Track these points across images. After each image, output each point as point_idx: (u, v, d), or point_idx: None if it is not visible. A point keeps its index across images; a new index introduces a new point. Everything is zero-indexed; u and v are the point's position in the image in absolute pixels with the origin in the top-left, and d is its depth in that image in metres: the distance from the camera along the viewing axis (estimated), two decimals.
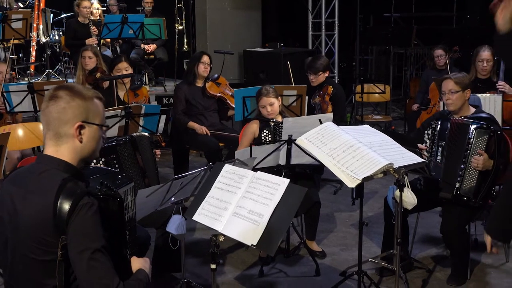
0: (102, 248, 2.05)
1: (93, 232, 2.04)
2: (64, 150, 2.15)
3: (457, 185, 3.97)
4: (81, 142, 2.16)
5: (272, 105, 4.65)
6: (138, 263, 2.30)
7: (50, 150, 2.16)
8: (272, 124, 4.67)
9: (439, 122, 4.15)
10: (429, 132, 4.20)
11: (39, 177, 2.11)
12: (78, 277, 2.05)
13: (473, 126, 3.97)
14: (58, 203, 2.02)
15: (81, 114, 2.14)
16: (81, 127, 2.15)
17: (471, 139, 3.96)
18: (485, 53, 5.85)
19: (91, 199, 2.06)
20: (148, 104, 6.11)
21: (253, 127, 4.72)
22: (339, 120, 5.83)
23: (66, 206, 2.01)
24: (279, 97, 4.76)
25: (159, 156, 4.19)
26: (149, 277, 2.26)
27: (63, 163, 2.13)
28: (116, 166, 3.69)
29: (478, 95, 5.11)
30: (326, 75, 6.08)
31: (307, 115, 5.65)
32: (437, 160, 4.09)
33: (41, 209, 2.03)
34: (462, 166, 3.97)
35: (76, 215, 2.02)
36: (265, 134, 4.67)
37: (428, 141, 4.20)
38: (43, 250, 2.05)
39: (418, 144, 4.14)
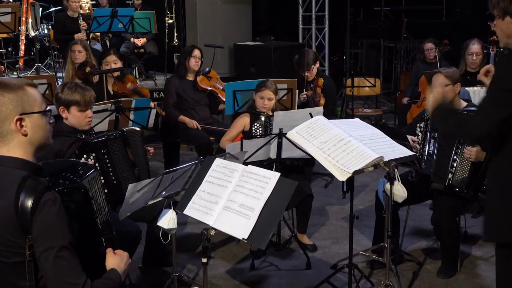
0: (69, 244, 2.01)
1: (59, 229, 2.00)
2: (14, 148, 2.09)
3: (450, 175, 3.99)
4: (26, 135, 2.09)
5: (270, 100, 4.70)
6: (112, 262, 2.25)
7: (1, 151, 2.09)
8: (263, 117, 4.68)
9: None
10: (421, 124, 4.22)
11: None
12: (45, 275, 2.02)
13: None
14: (20, 201, 1.96)
15: (15, 108, 2.06)
16: (20, 120, 2.07)
17: None
18: (475, 47, 5.87)
19: (53, 194, 2.01)
20: (140, 86, 6.14)
21: (245, 119, 4.73)
22: (329, 114, 5.84)
23: (28, 203, 1.96)
24: (276, 96, 4.81)
25: (151, 153, 4.18)
26: (121, 277, 2.22)
27: (19, 160, 2.07)
28: (107, 160, 3.68)
29: (468, 88, 5.13)
30: (318, 65, 6.12)
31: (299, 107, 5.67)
32: (430, 151, 4.11)
33: (3, 210, 1.98)
34: (455, 157, 4.00)
35: (39, 212, 1.97)
36: (255, 127, 4.67)
37: (420, 134, 4.21)
38: (12, 252, 2.01)
39: (410, 137, 4.15)
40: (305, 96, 5.95)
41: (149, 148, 4.15)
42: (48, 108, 2.21)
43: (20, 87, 2.11)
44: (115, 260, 2.26)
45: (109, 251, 2.29)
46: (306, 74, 5.99)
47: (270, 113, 4.68)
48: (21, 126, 2.08)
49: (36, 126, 2.12)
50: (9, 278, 2.06)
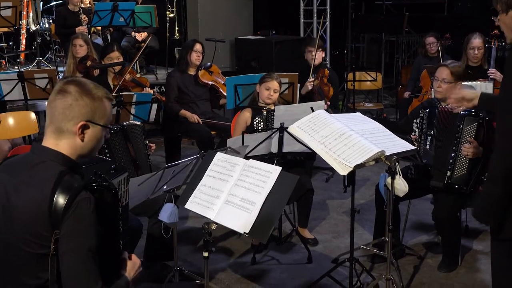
0: (93, 248, 2.01)
1: (88, 230, 2.00)
2: (63, 145, 2.10)
3: (448, 173, 3.98)
4: (82, 141, 2.12)
5: (276, 92, 4.70)
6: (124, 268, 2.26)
7: (49, 143, 2.11)
8: (264, 111, 4.67)
9: (427, 111, 4.15)
10: (418, 121, 4.20)
11: (35, 168, 2.06)
12: (63, 273, 2.01)
13: (462, 114, 3.98)
14: (55, 197, 1.97)
15: (87, 114, 2.10)
16: (84, 127, 2.11)
17: (461, 127, 3.96)
18: (476, 41, 5.86)
19: (88, 194, 2.02)
20: (138, 76, 6.14)
21: (246, 115, 4.72)
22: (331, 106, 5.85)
23: (62, 200, 1.97)
24: (280, 90, 4.81)
25: (153, 149, 4.17)
26: (130, 285, 2.23)
27: (61, 155, 2.09)
28: (108, 155, 3.68)
29: (469, 82, 5.12)
30: (323, 55, 6.14)
31: (302, 100, 5.67)
32: (427, 148, 4.10)
33: (37, 202, 1.99)
34: (453, 154, 3.98)
35: (73, 210, 1.98)
36: (257, 121, 4.67)
37: (417, 130, 4.20)
38: (37, 243, 2.01)
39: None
40: (312, 83, 5.93)
41: (151, 144, 4.14)
42: (110, 126, 2.27)
43: (100, 98, 2.14)
44: (128, 266, 2.27)
45: (124, 254, 2.30)
46: (312, 53, 5.99)
47: (272, 107, 4.68)
48: (82, 132, 2.11)
49: (94, 137, 2.15)
50: (30, 268, 2.07)
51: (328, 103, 5.91)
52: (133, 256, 2.32)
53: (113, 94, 4.78)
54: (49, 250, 2.01)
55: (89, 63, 5.89)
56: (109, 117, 2.20)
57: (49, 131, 2.13)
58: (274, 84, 4.69)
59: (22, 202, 2.03)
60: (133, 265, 2.29)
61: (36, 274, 2.07)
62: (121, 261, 2.27)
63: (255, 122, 4.67)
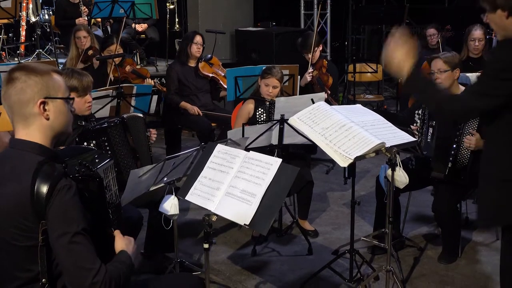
0: (83, 231, 2.01)
1: (73, 215, 2.01)
2: (34, 131, 2.11)
3: (450, 164, 3.98)
4: (48, 119, 2.11)
5: (275, 88, 4.67)
6: (121, 244, 2.25)
7: (20, 134, 2.12)
8: (267, 103, 4.67)
9: None
10: (419, 112, 4.20)
11: (14, 161, 2.07)
12: (60, 261, 2.02)
13: None
14: (35, 187, 1.98)
15: (40, 91, 2.09)
16: (44, 104, 2.10)
17: None
18: (477, 32, 5.85)
19: (69, 181, 2.03)
20: (138, 67, 6.13)
21: (249, 106, 4.71)
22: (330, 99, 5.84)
23: (44, 189, 1.98)
24: (281, 83, 4.78)
25: (155, 136, 4.14)
26: (131, 258, 2.22)
27: (37, 145, 2.09)
28: (108, 148, 3.67)
29: (469, 74, 5.12)
30: (320, 49, 6.13)
31: (302, 92, 5.67)
32: (428, 140, 4.10)
33: (18, 194, 2.00)
34: (455, 146, 3.98)
35: (54, 198, 1.98)
36: (260, 112, 4.67)
37: (418, 121, 4.20)
38: (24, 236, 2.02)
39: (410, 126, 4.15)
40: (310, 74, 5.92)
41: (151, 130, 4.10)
42: (71, 96, 2.24)
43: (47, 72, 2.14)
44: (123, 242, 2.27)
45: (117, 233, 2.29)
46: (309, 56, 5.99)
47: (275, 99, 4.67)
48: (44, 109, 2.11)
49: (59, 111, 2.15)
50: (20, 261, 2.07)
51: (329, 92, 5.91)
52: (126, 236, 2.32)
53: (113, 86, 4.79)
54: (37, 241, 2.02)
55: (90, 52, 5.88)
56: (65, 89, 2.18)
57: (15, 122, 2.13)
58: (273, 81, 4.66)
59: (4, 196, 2.03)
60: (128, 241, 2.29)
61: (26, 267, 2.07)
62: (112, 245, 2.26)
63: (257, 114, 4.67)
